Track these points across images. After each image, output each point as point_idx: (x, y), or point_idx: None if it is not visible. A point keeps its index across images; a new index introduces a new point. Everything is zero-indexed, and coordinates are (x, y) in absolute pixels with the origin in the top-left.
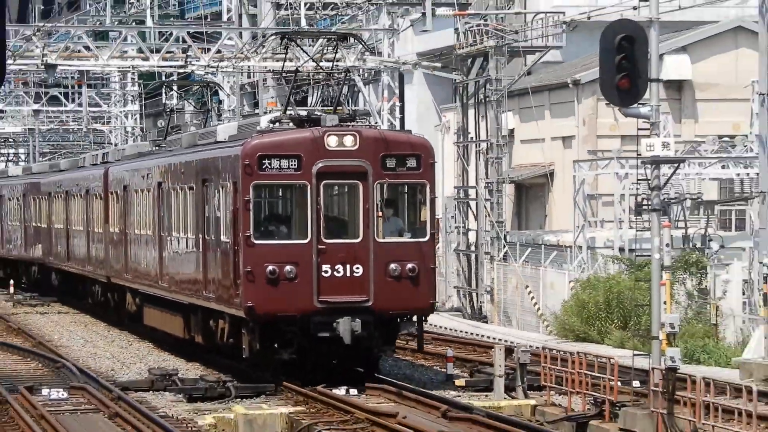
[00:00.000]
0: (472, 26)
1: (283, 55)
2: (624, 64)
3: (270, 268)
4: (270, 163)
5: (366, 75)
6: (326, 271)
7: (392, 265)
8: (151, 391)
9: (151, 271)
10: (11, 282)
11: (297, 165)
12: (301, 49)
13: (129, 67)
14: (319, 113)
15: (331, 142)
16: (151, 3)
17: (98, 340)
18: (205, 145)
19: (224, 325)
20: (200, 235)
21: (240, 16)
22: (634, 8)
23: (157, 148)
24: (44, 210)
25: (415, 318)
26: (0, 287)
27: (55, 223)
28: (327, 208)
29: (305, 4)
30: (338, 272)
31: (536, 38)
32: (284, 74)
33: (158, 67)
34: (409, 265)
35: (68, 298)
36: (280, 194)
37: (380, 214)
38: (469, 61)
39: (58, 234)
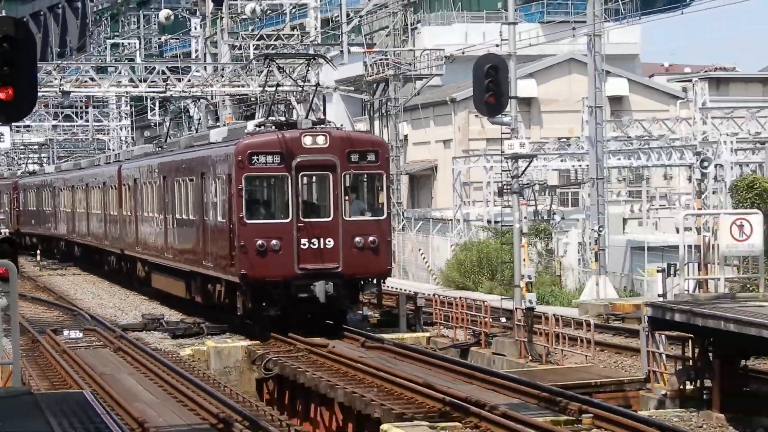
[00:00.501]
0: (377, 60)
1: (237, 82)
2: (491, 86)
3: (259, 242)
4: (258, 159)
5: (298, 96)
6: (304, 244)
7: (357, 239)
8: (144, 331)
9: (158, 245)
10: (38, 252)
11: (279, 160)
12: (280, 68)
13: (123, 93)
14: (295, 119)
15: (307, 141)
16: (138, 46)
17: (103, 294)
18: (200, 146)
19: (221, 288)
20: (200, 217)
21: (204, 54)
22: (497, 45)
23: (159, 149)
24: (69, 198)
25: (375, 281)
26: (32, 256)
27: (77, 208)
28: (304, 193)
29: (252, 45)
30: (314, 245)
31: (423, 68)
32: (266, 90)
33: (145, 92)
34: (371, 238)
35: (83, 265)
36: (266, 183)
37: (347, 198)
38: (375, 85)
39: (80, 217)
